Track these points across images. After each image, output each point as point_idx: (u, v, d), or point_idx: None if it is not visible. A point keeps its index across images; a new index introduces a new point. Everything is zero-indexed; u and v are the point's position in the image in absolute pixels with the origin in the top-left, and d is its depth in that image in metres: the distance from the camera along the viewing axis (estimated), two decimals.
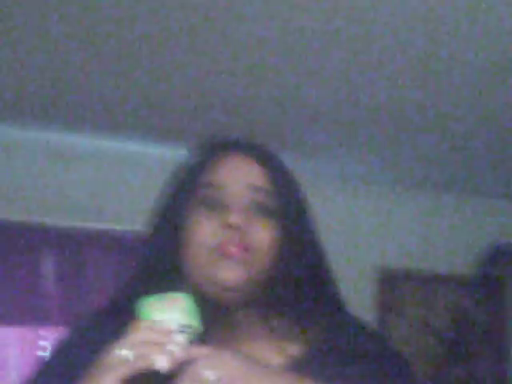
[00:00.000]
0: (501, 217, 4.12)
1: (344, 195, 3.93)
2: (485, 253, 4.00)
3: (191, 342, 1.13)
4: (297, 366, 1.21)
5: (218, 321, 1.25)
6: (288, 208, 1.27)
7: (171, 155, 3.28)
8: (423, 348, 3.91)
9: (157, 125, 3.17)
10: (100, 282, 3.23)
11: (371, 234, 3.95)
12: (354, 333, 1.29)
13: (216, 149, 1.30)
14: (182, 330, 1.13)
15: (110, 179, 3.40)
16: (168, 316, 1.15)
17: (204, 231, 1.23)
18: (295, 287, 1.26)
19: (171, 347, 1.10)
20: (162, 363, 1.09)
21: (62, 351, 1.31)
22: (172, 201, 1.29)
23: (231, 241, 1.21)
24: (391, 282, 3.92)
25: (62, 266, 3.23)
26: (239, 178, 1.26)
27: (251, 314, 1.27)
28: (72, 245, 3.24)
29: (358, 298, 3.83)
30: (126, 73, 2.62)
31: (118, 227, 3.29)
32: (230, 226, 1.21)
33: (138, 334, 1.12)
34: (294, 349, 1.25)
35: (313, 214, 1.31)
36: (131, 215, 3.26)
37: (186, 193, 1.27)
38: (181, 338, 1.12)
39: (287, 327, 1.27)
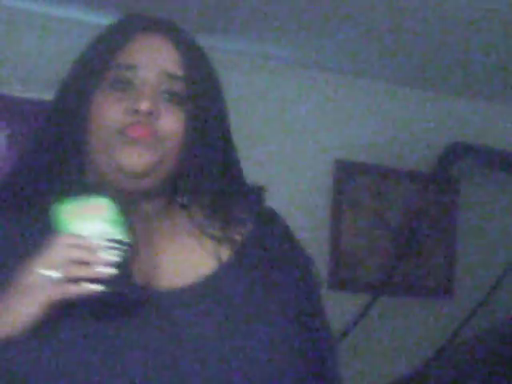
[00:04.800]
0: (461, 115, 4.11)
1: (303, 83, 3.86)
2: (442, 151, 4.00)
3: (125, 259, 1.06)
4: (226, 270, 1.19)
5: (131, 214, 1.17)
6: (202, 99, 1.21)
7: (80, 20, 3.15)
8: (376, 242, 3.95)
9: None
10: None
11: (329, 125, 3.91)
12: (278, 239, 1.26)
13: (132, 26, 1.22)
14: (113, 246, 1.06)
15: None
16: (95, 228, 1.06)
17: (110, 113, 1.16)
18: (207, 178, 1.21)
19: (102, 267, 1.04)
20: (96, 287, 1.03)
21: None
22: (79, 78, 1.20)
23: (138, 125, 1.14)
24: (347, 176, 3.92)
25: None
26: (154, 62, 1.18)
27: (165, 205, 1.22)
28: None
29: (314, 190, 3.85)
30: None
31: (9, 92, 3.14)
32: (138, 112, 1.14)
33: (64, 251, 1.04)
34: (222, 251, 1.21)
35: (226, 107, 1.26)
36: (26, 81, 3.14)
37: (95, 70, 1.19)
38: (111, 256, 1.05)
39: (207, 221, 1.23)
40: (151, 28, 1.21)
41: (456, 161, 4.01)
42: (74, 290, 1.03)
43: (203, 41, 1.28)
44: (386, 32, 3.31)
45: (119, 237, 1.07)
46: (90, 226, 1.06)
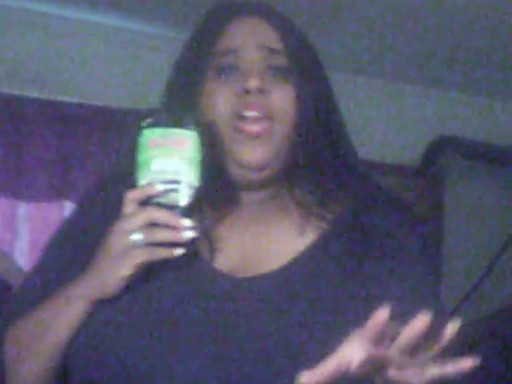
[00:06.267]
0: (446, 109, 4.11)
1: None
2: (428, 144, 4.01)
3: (190, 202, 1.08)
4: (310, 252, 1.18)
5: (246, 202, 1.21)
6: (305, 71, 1.21)
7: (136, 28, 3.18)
8: None
9: None
10: (41, 155, 3.12)
11: None
12: (383, 216, 1.24)
13: (225, 13, 1.23)
14: (179, 189, 1.07)
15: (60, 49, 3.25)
16: (168, 165, 1.07)
17: (221, 100, 1.16)
18: (321, 156, 1.22)
19: (182, 229, 1.06)
20: (178, 251, 1.07)
21: (66, 234, 1.26)
22: (186, 72, 1.22)
23: (251, 104, 1.15)
24: None
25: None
26: (253, 41, 1.19)
27: (274, 191, 1.22)
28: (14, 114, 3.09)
29: None
30: None
31: (62, 98, 3.15)
32: (248, 91, 1.15)
33: (143, 214, 1.06)
34: (311, 230, 1.21)
35: (328, 78, 1.27)
36: (79, 87, 3.15)
37: (198, 63, 1.20)
38: (187, 222, 1.07)
39: (315, 203, 1.23)
40: (244, 11, 1.23)
41: (442, 154, 4.01)
42: (160, 254, 1.06)
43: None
44: (372, 26, 3.32)
45: (190, 179, 1.08)
46: (165, 161, 1.07)
